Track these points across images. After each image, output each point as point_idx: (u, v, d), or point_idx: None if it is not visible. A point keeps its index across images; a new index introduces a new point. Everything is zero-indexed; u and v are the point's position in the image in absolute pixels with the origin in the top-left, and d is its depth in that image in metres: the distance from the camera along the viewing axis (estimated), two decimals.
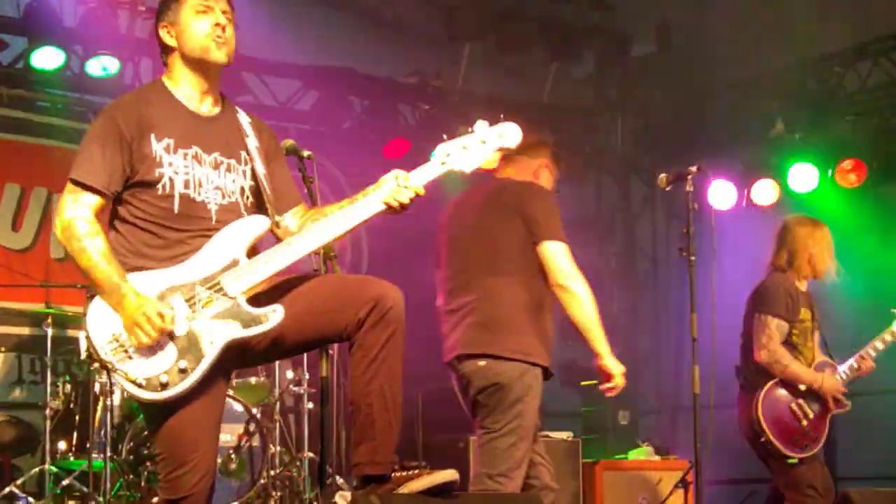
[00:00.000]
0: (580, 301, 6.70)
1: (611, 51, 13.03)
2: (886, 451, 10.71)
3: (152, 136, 4.79)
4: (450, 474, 4.89)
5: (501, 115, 5.03)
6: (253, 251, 4.85)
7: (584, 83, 13.78)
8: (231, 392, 9.27)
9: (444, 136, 4.98)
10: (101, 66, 10.68)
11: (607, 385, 6.78)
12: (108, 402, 8.94)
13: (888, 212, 11.40)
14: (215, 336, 4.67)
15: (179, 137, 4.85)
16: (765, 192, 12.00)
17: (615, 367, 6.76)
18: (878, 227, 11.20)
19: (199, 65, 4.94)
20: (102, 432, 8.94)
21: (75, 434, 9.28)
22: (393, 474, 4.89)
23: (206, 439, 4.82)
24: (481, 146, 4.94)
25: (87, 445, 9.01)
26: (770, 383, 8.15)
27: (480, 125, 4.97)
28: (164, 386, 4.61)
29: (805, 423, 8.14)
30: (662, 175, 7.23)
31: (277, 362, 9.84)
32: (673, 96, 13.33)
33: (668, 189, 7.28)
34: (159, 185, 4.78)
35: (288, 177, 5.22)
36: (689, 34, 12.48)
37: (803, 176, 11.71)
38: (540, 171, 7.15)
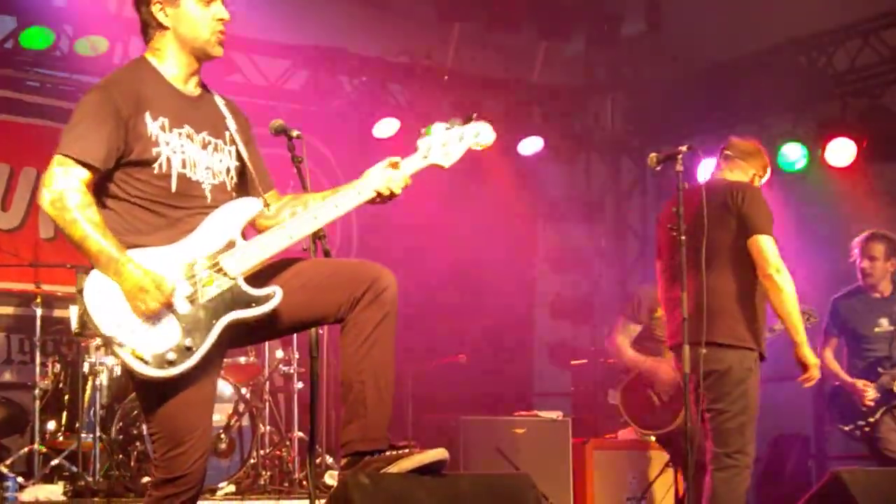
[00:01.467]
0: (783, 292, 7.20)
1: (601, 30, 13.00)
2: None
3: (147, 114, 4.76)
4: (440, 453, 4.89)
5: (474, 115, 5.29)
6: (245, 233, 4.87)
7: (575, 62, 13.76)
8: (221, 372, 9.26)
9: (421, 132, 5.23)
10: (90, 45, 10.65)
11: (804, 376, 7.30)
12: (98, 382, 8.95)
13: (878, 191, 11.40)
14: (217, 315, 4.68)
15: (173, 116, 4.83)
16: None
17: (811, 359, 7.25)
18: (867, 206, 11.20)
19: (194, 52, 4.92)
20: (92, 412, 8.95)
21: (64, 414, 9.30)
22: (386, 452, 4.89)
23: (203, 419, 4.82)
24: (458, 143, 5.24)
25: (77, 425, 9.02)
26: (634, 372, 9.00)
27: (455, 125, 5.34)
28: (170, 363, 4.58)
29: (657, 403, 8.90)
30: (652, 154, 7.22)
31: (267, 343, 9.85)
32: (663, 76, 13.33)
33: (658, 168, 7.27)
34: (156, 164, 4.75)
35: (262, 161, 5.24)
36: (680, 13, 12.46)
37: (793, 155, 11.71)
38: (754, 179, 7.66)
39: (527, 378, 13.69)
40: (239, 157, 5.02)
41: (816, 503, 6.79)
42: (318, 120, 11.98)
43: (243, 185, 5.05)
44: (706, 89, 12.62)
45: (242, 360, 9.83)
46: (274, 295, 4.75)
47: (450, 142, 5.20)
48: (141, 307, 4.57)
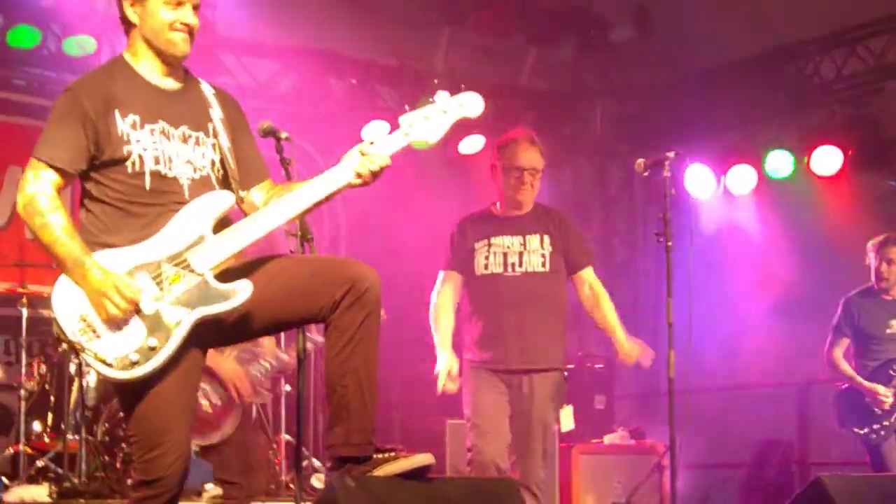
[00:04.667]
0: None
1: (590, 36, 13.02)
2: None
3: (117, 112, 4.76)
4: (426, 458, 4.89)
5: (462, 86, 5.09)
6: (221, 226, 4.81)
7: (563, 67, 13.78)
8: (202, 375, 9.23)
9: (407, 108, 5.04)
10: (78, 44, 10.64)
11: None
12: (83, 383, 8.93)
13: (863, 199, 11.44)
14: (184, 313, 4.64)
15: (145, 113, 4.82)
16: (741, 178, 12.02)
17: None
18: (853, 215, 11.25)
19: (158, 51, 4.90)
20: (77, 413, 8.93)
21: (50, 415, 9.27)
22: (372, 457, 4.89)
23: (180, 421, 4.78)
24: (443, 116, 4.99)
25: (62, 426, 8.99)
26: None
27: (441, 95, 5.02)
28: (133, 364, 4.57)
29: (210, 409, 8.25)
30: (640, 160, 7.25)
31: None
32: (651, 82, 13.35)
33: (645, 174, 7.29)
34: (128, 163, 4.75)
35: (255, 150, 5.19)
36: (668, 20, 12.48)
37: (780, 162, 11.73)
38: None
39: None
40: (221, 147, 4.98)
41: None
42: (307, 122, 11.97)
43: (229, 177, 5.01)
44: (694, 96, 12.65)
45: None
46: (243, 290, 4.70)
47: (433, 115, 4.98)
48: (104, 312, 4.59)
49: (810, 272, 11.21)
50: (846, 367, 9.28)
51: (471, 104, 5.03)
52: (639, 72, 13.51)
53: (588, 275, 7.70)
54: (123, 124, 4.76)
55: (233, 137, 5.05)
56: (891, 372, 9.11)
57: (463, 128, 5.17)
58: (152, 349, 4.59)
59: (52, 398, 9.30)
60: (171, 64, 4.94)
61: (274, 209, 4.85)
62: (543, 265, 7.53)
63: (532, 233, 7.58)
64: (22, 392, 9.16)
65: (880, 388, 9.06)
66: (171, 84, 4.96)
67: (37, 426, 9.24)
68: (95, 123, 4.72)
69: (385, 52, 12.48)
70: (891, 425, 9.05)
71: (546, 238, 7.57)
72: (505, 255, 7.52)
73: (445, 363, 7.54)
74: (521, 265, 7.51)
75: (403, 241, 12.41)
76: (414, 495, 4.81)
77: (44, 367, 9.39)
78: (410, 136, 4.96)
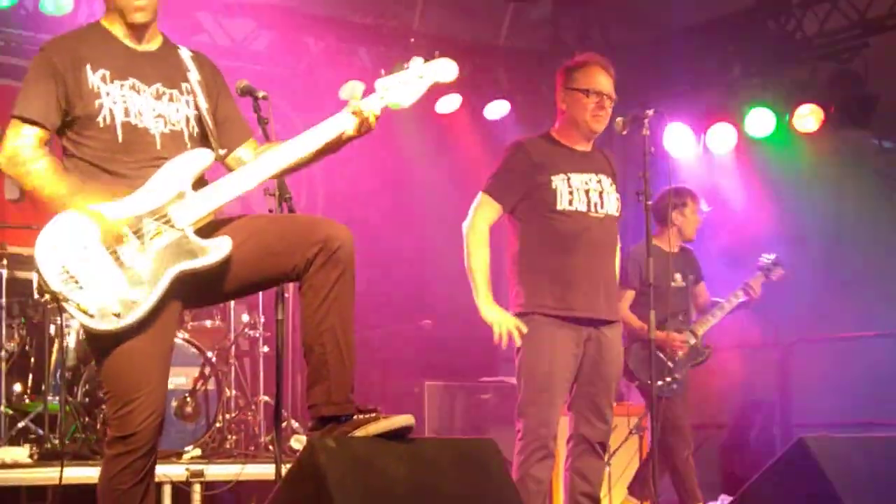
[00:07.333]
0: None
1: None
2: (844, 399, 10.78)
3: (87, 67, 4.87)
4: (406, 419, 4.90)
5: (436, 53, 5.18)
6: (199, 184, 4.90)
7: (542, 26, 13.72)
8: (186, 335, 9.26)
9: (383, 72, 5.13)
10: (55, 4, 10.56)
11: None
12: (64, 345, 8.91)
13: (845, 157, 11.42)
14: (165, 267, 4.72)
15: (116, 69, 4.92)
16: (722, 136, 11.97)
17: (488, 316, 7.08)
18: (834, 173, 11.25)
19: (121, 17, 5.00)
20: (58, 374, 8.92)
21: (30, 376, 9.24)
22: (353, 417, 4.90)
23: (153, 376, 4.82)
24: (419, 81, 5.12)
25: (43, 388, 8.97)
26: None
27: (416, 61, 5.15)
28: (116, 316, 4.64)
29: None
30: (619, 118, 7.20)
31: (233, 305, 9.85)
32: (631, 40, 13.29)
33: (624, 133, 7.23)
34: (100, 118, 4.85)
35: (236, 110, 5.30)
36: None
37: (761, 120, 11.69)
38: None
39: (493, 343, 13.69)
40: (198, 108, 5.04)
41: (781, 469, 6.81)
42: (284, 81, 11.92)
43: (206, 136, 5.08)
44: (674, 53, 12.59)
45: (208, 323, 9.83)
46: (222, 244, 4.78)
47: (409, 80, 5.11)
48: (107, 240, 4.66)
49: (790, 229, 11.20)
50: (634, 320, 8.95)
51: (445, 70, 5.18)
52: (618, 29, 13.45)
53: None
54: (94, 78, 4.87)
55: (212, 99, 5.14)
56: (680, 318, 9.04)
57: (440, 87, 5.24)
58: (133, 302, 4.66)
59: (32, 359, 9.27)
60: (140, 29, 5.03)
61: (255, 165, 4.95)
62: (618, 210, 7.06)
63: (603, 172, 7.09)
64: (2, 353, 9.11)
65: (675, 334, 8.96)
66: (144, 47, 5.06)
67: (17, 388, 9.21)
68: (65, 77, 4.83)
69: (361, 11, 12.41)
70: (682, 378, 8.94)
71: (612, 182, 7.12)
72: (587, 192, 6.92)
73: (502, 317, 6.94)
74: (602, 206, 6.95)
75: (383, 200, 12.39)
76: (395, 456, 4.82)
77: (24, 329, 9.35)
78: (386, 100, 5.08)
